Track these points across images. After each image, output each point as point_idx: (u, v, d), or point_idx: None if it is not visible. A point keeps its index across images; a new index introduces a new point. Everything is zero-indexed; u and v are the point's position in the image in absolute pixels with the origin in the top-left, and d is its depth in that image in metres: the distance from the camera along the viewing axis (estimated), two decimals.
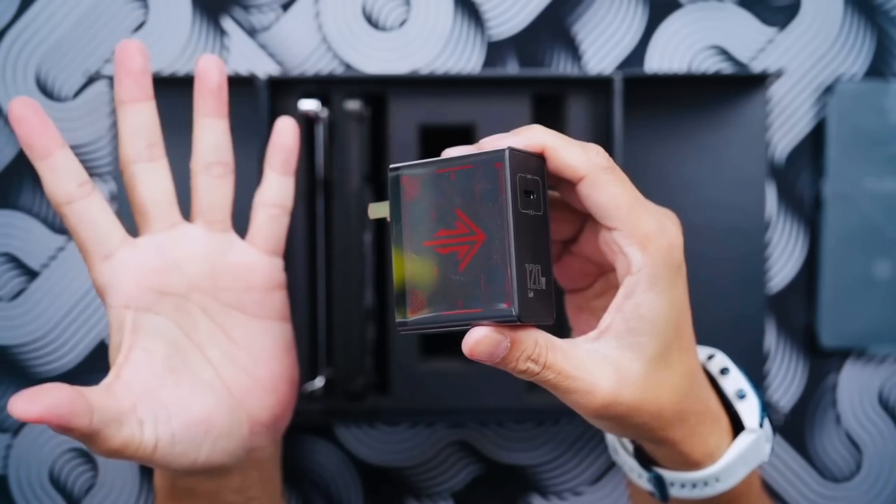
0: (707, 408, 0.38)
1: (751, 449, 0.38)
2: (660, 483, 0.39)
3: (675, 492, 0.39)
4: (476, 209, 0.33)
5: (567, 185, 0.36)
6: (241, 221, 0.54)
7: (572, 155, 0.35)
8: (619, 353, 0.35)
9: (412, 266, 0.35)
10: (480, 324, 0.33)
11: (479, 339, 0.33)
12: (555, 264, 0.40)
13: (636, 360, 0.35)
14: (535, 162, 0.35)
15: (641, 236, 0.34)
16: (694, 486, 0.38)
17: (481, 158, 0.34)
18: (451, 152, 0.36)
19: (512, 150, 0.33)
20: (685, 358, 0.36)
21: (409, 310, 0.34)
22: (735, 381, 0.39)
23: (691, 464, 0.38)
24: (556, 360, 0.34)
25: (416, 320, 0.34)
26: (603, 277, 0.41)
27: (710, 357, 0.41)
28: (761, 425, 0.38)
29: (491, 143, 0.35)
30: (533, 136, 0.35)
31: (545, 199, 0.35)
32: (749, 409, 0.38)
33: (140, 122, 0.43)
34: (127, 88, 0.42)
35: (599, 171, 0.35)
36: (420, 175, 0.35)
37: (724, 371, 0.40)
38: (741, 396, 0.39)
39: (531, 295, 0.33)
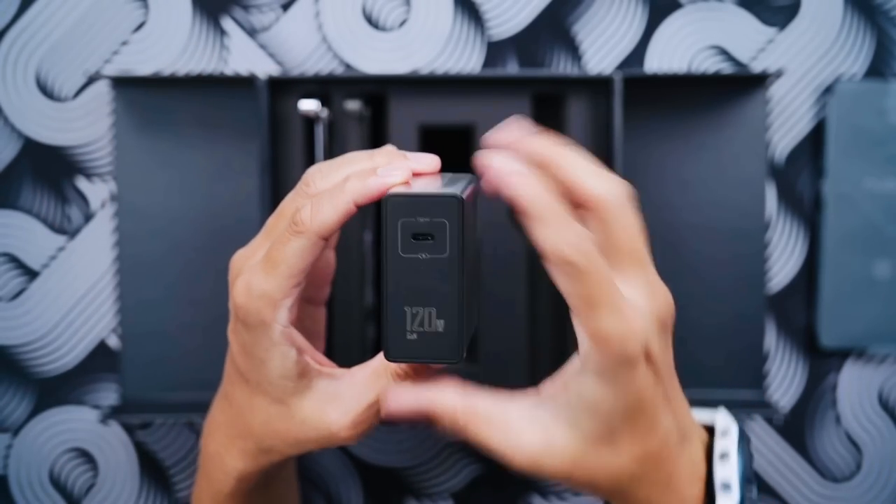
0: (669, 488, 0.37)
1: None
2: None
3: None
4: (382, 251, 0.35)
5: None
6: (241, 222, 0.54)
7: (544, 237, 0.33)
8: (555, 424, 0.35)
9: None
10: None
11: (391, 400, 0.37)
12: None
13: (569, 435, 0.35)
14: (446, 204, 0.34)
15: (597, 335, 0.34)
16: None
17: (383, 203, 0.34)
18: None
19: (394, 196, 0.34)
20: (640, 444, 0.36)
21: None
22: (727, 471, 0.38)
23: None
24: (475, 425, 0.36)
25: None
26: None
27: (725, 433, 0.40)
28: None
29: (486, 164, 0.35)
30: (519, 192, 0.34)
31: (458, 240, 0.34)
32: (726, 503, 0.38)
33: None
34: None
35: (562, 262, 0.33)
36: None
37: (723, 456, 0.39)
38: (725, 487, 0.38)
39: (412, 337, 0.34)
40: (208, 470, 0.43)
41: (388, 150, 0.40)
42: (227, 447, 0.42)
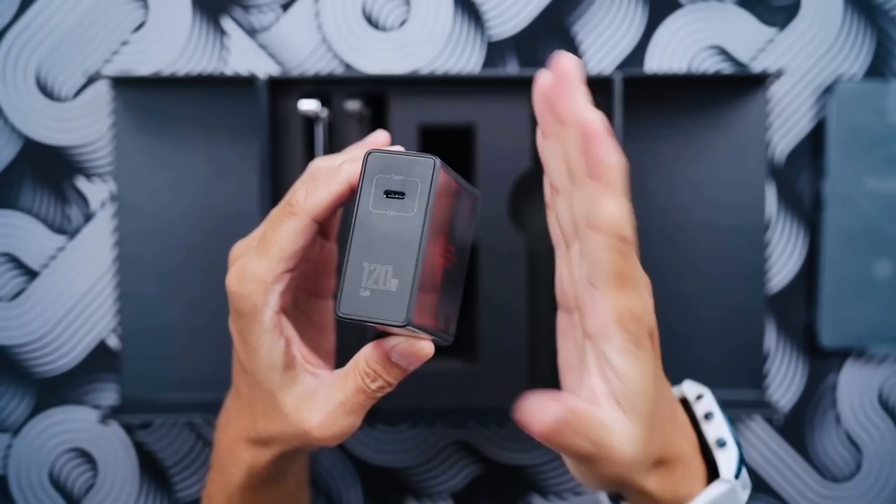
0: (678, 456, 0.37)
1: (723, 499, 0.38)
2: None
3: None
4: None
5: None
6: (241, 222, 0.54)
7: (608, 203, 0.34)
8: (623, 416, 0.35)
9: None
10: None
11: (526, 413, 0.34)
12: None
13: (634, 421, 0.35)
14: (423, 165, 0.34)
15: (624, 309, 0.34)
16: None
17: (363, 159, 0.35)
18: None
19: (374, 151, 0.34)
20: (668, 417, 0.37)
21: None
22: (717, 428, 0.39)
23: None
24: (587, 434, 0.34)
25: None
26: None
27: (699, 397, 0.41)
28: (737, 476, 0.38)
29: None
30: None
31: (427, 201, 0.34)
32: (727, 459, 0.38)
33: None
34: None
35: (616, 238, 0.34)
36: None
37: (708, 416, 0.40)
38: (721, 444, 0.38)
39: (365, 294, 0.34)
40: (221, 464, 0.43)
41: (382, 135, 0.40)
42: (236, 440, 0.42)
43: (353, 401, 0.38)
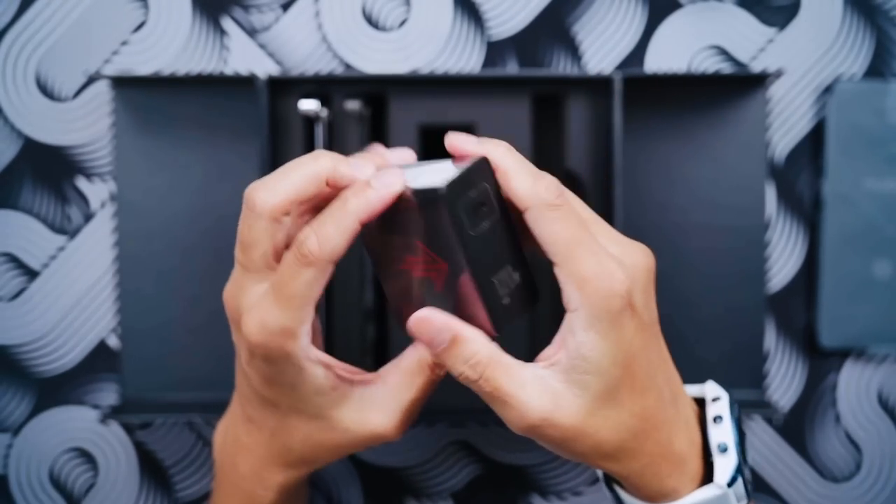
0: (668, 450, 0.37)
1: (712, 503, 0.38)
2: (619, 501, 0.40)
3: None
4: (432, 239, 0.35)
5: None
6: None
7: (521, 185, 0.35)
8: (565, 387, 0.36)
9: (393, 286, 0.37)
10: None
11: (422, 319, 0.36)
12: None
13: (579, 396, 0.35)
14: (479, 170, 0.35)
15: (578, 277, 0.35)
16: None
17: (423, 198, 0.34)
18: (407, 177, 0.36)
19: (450, 187, 0.34)
20: (639, 399, 0.36)
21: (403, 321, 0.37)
22: (722, 434, 0.39)
23: (644, 497, 0.38)
24: (495, 375, 0.36)
25: None
26: None
27: (715, 399, 0.41)
28: (730, 484, 0.38)
29: (460, 144, 0.36)
30: (491, 152, 0.36)
31: (498, 196, 0.36)
32: (723, 465, 0.38)
33: None
34: None
35: (543, 206, 0.35)
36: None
37: (717, 419, 0.39)
38: (722, 450, 0.38)
39: (506, 301, 0.36)
40: (242, 488, 0.43)
41: (327, 154, 0.38)
42: (264, 465, 0.41)
43: (424, 394, 0.39)
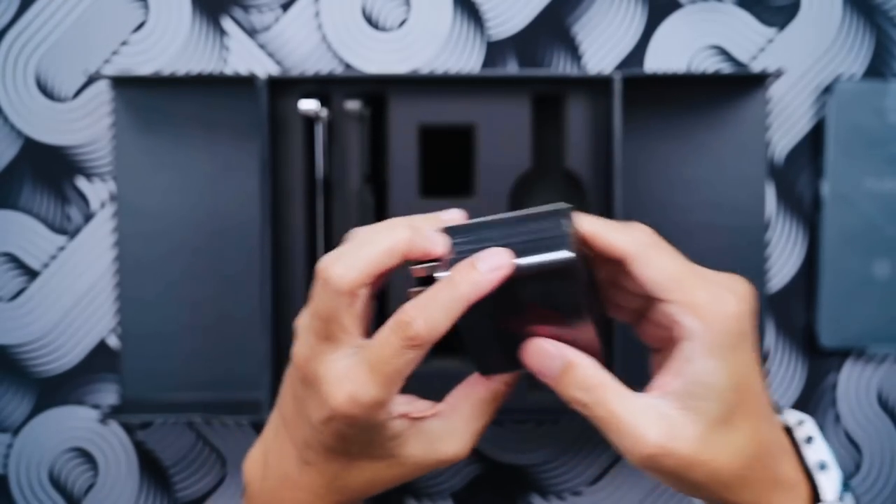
0: (780, 476, 0.37)
1: None
2: None
3: None
4: (551, 300, 0.36)
5: (616, 265, 0.37)
6: (241, 222, 0.55)
7: (618, 237, 0.36)
8: (680, 414, 0.35)
9: (482, 339, 0.38)
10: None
11: (535, 348, 0.36)
12: (636, 328, 0.41)
13: (696, 423, 0.35)
14: (565, 269, 0.36)
15: (694, 305, 0.35)
16: None
17: (550, 266, 0.35)
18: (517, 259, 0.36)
19: (577, 258, 0.35)
20: (753, 424, 0.36)
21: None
22: (818, 452, 0.39)
23: None
24: (607, 398, 0.36)
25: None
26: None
27: (800, 423, 0.40)
28: (841, 498, 0.38)
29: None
30: (580, 226, 0.36)
31: (580, 253, 0.36)
32: (829, 482, 0.38)
33: None
34: None
35: (646, 248, 0.36)
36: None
37: (809, 440, 0.40)
38: (822, 467, 0.38)
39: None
40: None
41: (396, 224, 0.38)
42: (317, 500, 0.41)
43: (491, 419, 0.40)
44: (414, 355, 0.36)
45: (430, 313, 0.35)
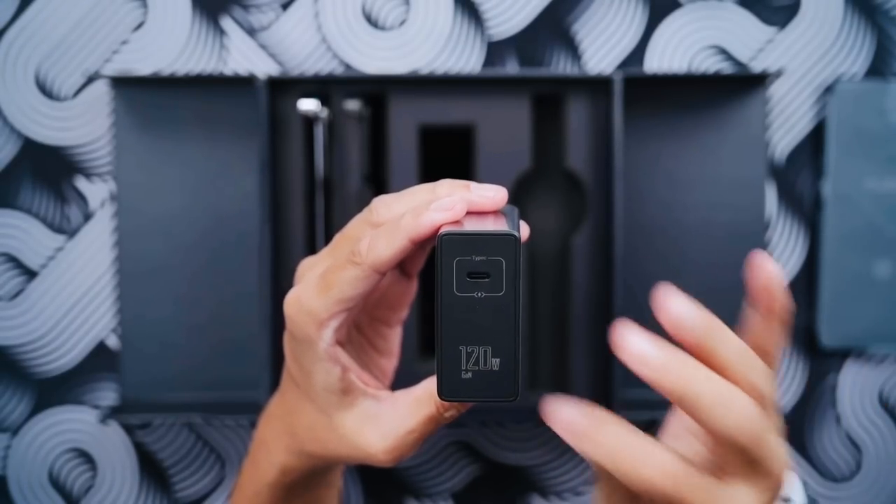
0: None
1: None
2: None
3: None
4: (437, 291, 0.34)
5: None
6: (241, 222, 0.54)
7: (720, 412, 0.32)
8: None
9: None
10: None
11: (552, 409, 0.32)
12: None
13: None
14: (497, 244, 0.34)
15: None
16: None
17: (437, 241, 0.34)
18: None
19: (448, 234, 0.33)
20: None
21: None
22: None
23: None
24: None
25: None
26: None
27: (786, 501, 0.41)
28: None
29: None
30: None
31: (514, 279, 0.34)
32: None
33: None
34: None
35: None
36: None
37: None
38: None
39: (467, 376, 0.34)
40: (257, 457, 0.44)
41: (449, 182, 0.38)
42: (275, 439, 0.42)
43: (424, 429, 0.38)
44: (353, 273, 0.36)
45: (375, 238, 0.36)
